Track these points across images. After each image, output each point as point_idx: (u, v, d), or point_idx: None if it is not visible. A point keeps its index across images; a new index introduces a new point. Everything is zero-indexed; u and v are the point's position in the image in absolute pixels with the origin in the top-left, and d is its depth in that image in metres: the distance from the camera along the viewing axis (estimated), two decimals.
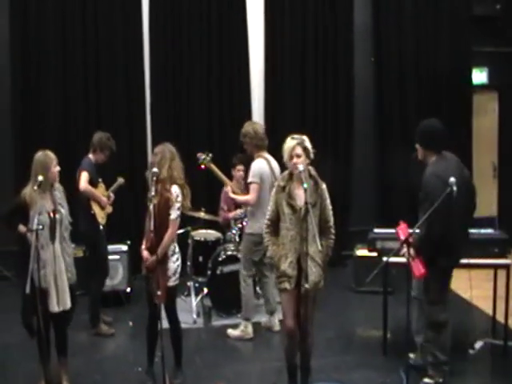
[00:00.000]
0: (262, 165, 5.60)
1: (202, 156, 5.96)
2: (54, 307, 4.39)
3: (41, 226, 4.20)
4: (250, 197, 5.58)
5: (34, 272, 4.20)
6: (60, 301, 4.43)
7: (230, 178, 6.39)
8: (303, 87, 8.03)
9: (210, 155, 5.98)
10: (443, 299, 4.45)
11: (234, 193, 5.92)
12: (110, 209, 6.00)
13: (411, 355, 4.81)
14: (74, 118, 7.58)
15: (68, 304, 4.47)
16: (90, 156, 5.81)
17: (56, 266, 4.41)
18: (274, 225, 4.30)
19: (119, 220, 6.59)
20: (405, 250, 4.25)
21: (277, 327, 5.80)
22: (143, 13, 7.67)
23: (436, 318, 4.44)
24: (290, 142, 4.24)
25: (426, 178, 4.31)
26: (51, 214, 4.40)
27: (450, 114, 8.26)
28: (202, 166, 5.99)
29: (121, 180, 6.24)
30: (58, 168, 4.54)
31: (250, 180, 5.59)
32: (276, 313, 5.82)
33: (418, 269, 4.15)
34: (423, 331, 4.63)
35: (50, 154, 4.53)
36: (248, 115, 7.78)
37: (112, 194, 6.07)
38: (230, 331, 5.74)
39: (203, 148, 7.50)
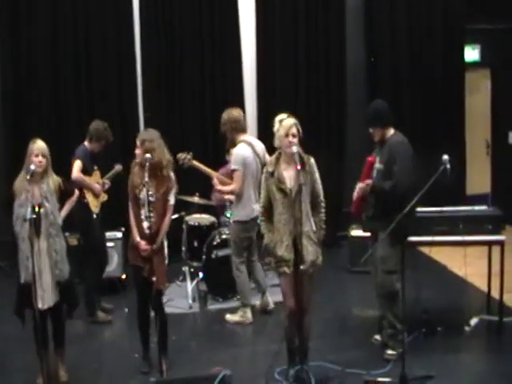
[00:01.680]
0: (244, 150, 5.47)
1: (182, 156, 5.65)
2: (38, 303, 4.25)
3: (34, 216, 4.14)
4: (234, 186, 5.46)
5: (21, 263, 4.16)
6: (42, 297, 4.28)
7: (224, 163, 6.31)
8: (295, 84, 7.96)
9: (190, 154, 5.73)
10: (398, 269, 4.53)
11: (221, 184, 5.66)
12: (105, 197, 5.93)
13: (377, 337, 4.97)
14: (66, 107, 7.51)
15: (52, 301, 4.33)
16: (86, 144, 5.73)
17: (41, 262, 4.27)
18: (268, 211, 4.29)
19: (114, 207, 6.55)
20: (360, 184, 4.65)
21: (271, 305, 5.80)
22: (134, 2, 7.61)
23: (392, 287, 4.61)
24: (287, 121, 4.21)
25: (391, 143, 4.64)
26: (36, 208, 4.23)
27: (443, 92, 8.26)
28: (185, 166, 5.73)
29: (118, 167, 6.07)
30: (40, 158, 4.30)
31: (232, 167, 5.46)
32: (267, 292, 5.83)
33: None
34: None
35: (34, 144, 4.36)
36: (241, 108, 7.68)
37: (107, 181, 5.98)
38: (229, 317, 5.69)
39: (196, 136, 7.55)
